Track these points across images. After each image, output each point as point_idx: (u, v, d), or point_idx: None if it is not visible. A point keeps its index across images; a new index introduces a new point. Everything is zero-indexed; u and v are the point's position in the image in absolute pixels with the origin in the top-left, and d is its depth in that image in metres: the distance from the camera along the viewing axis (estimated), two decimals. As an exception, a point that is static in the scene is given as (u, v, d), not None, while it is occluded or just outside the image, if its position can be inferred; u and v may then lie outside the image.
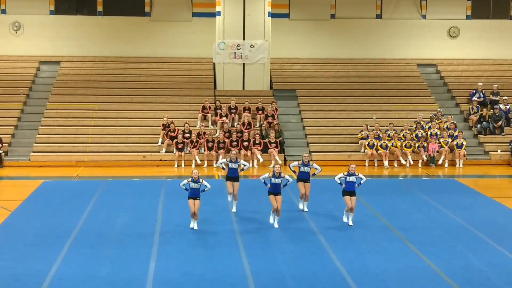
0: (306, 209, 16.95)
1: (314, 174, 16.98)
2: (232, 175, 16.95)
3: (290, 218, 16.15)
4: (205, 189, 15.32)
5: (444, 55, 31.83)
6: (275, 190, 15.41)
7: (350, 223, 15.65)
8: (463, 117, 28.20)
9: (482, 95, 28.33)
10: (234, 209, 16.87)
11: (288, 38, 31.00)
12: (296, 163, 17.06)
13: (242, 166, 17.09)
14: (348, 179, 15.59)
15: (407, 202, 18.48)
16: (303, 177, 16.83)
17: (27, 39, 30.40)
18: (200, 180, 15.20)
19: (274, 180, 15.41)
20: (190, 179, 15.20)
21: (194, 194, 15.18)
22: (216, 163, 24.09)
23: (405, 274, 12.36)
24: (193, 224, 15.25)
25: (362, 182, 15.80)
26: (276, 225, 15.35)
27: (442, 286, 11.78)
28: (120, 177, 22.32)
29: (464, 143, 25.22)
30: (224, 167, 17.49)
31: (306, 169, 16.81)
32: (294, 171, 17.57)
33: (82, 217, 16.34)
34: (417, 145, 25.02)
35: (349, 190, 15.61)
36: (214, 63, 28.98)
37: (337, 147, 25.69)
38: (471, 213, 17.22)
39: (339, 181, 15.75)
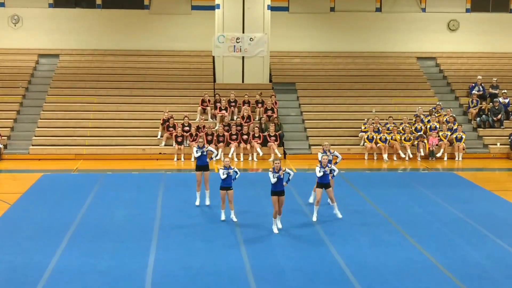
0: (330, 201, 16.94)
1: (335, 163, 16.83)
2: (201, 164, 16.68)
3: (290, 212, 16.12)
4: (236, 177, 15.37)
5: (444, 48, 31.80)
6: (278, 188, 14.51)
7: (337, 213, 15.60)
8: (463, 111, 28.20)
9: (481, 89, 28.32)
10: (208, 202, 16.77)
11: (287, 31, 30.95)
12: (319, 155, 16.75)
13: (211, 154, 16.77)
14: (323, 171, 15.30)
15: (406, 195, 18.49)
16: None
17: (26, 32, 30.33)
18: (232, 167, 15.30)
19: (276, 175, 14.54)
20: (222, 167, 15.28)
21: (227, 183, 15.23)
22: (215, 156, 24.07)
23: (404, 267, 12.39)
24: (232, 215, 15.37)
25: (335, 174, 15.59)
26: (279, 225, 14.69)
27: (441, 279, 11.81)
28: (119, 170, 22.32)
29: (463, 136, 25.23)
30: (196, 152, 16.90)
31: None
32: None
33: (82, 210, 16.35)
34: (415, 142, 25.00)
35: (323, 182, 15.34)
36: (213, 56, 28.94)
37: (337, 140, 25.67)
38: (470, 206, 17.23)
39: (320, 173, 15.28)
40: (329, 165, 15.39)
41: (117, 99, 27.47)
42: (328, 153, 16.62)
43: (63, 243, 13.60)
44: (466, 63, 31.41)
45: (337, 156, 16.82)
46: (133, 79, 28.81)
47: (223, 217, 15.48)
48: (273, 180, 14.40)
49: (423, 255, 13.07)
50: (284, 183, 14.59)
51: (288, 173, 14.63)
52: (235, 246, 13.54)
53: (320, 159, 16.42)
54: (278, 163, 14.49)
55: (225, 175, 15.19)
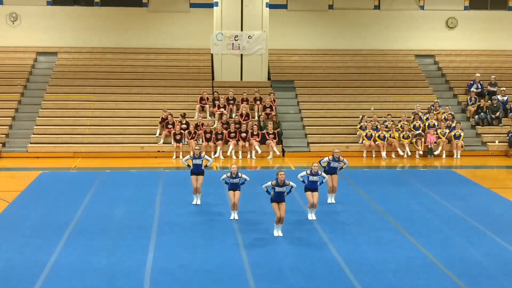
0: (333, 201, 17.06)
1: (341, 168, 17.05)
2: (196, 170, 16.72)
3: (288, 210, 16.10)
4: (245, 182, 15.49)
5: (442, 46, 31.79)
6: (278, 198, 14.19)
7: (313, 217, 15.49)
8: (461, 108, 28.21)
9: (479, 86, 28.33)
10: (198, 202, 16.81)
11: (286, 29, 30.94)
12: (326, 158, 16.86)
13: (206, 161, 16.79)
14: (311, 178, 15.24)
15: (405, 192, 18.51)
16: (331, 172, 16.83)
17: (24, 30, 30.30)
18: (239, 174, 15.35)
19: (278, 189, 14.07)
20: (229, 174, 15.36)
21: (234, 186, 15.38)
22: (214, 154, 24.14)
23: (403, 264, 12.39)
24: (234, 215, 15.42)
25: (324, 181, 15.57)
26: (280, 234, 14.20)
27: (440, 276, 11.82)
28: (118, 168, 22.33)
29: (462, 134, 25.25)
30: (189, 164, 16.79)
31: (335, 164, 16.86)
32: (324, 167, 16.79)
33: (80, 208, 16.35)
34: (414, 140, 25.00)
35: (311, 187, 15.32)
36: (212, 54, 28.93)
37: (335, 138, 25.68)
38: (469, 203, 17.25)
39: (301, 179, 15.33)
40: (320, 172, 15.40)
41: (116, 97, 27.47)
42: (335, 163, 16.84)
43: (62, 241, 13.60)
44: (464, 61, 31.41)
45: (344, 163, 17.03)
46: (131, 77, 28.80)
47: (232, 216, 15.47)
48: (279, 189, 14.05)
49: (422, 253, 13.08)
50: (285, 193, 14.26)
51: (291, 186, 14.21)
52: (234, 244, 13.53)
53: (323, 164, 16.69)
54: (283, 175, 14.10)
55: (224, 180, 15.42)
